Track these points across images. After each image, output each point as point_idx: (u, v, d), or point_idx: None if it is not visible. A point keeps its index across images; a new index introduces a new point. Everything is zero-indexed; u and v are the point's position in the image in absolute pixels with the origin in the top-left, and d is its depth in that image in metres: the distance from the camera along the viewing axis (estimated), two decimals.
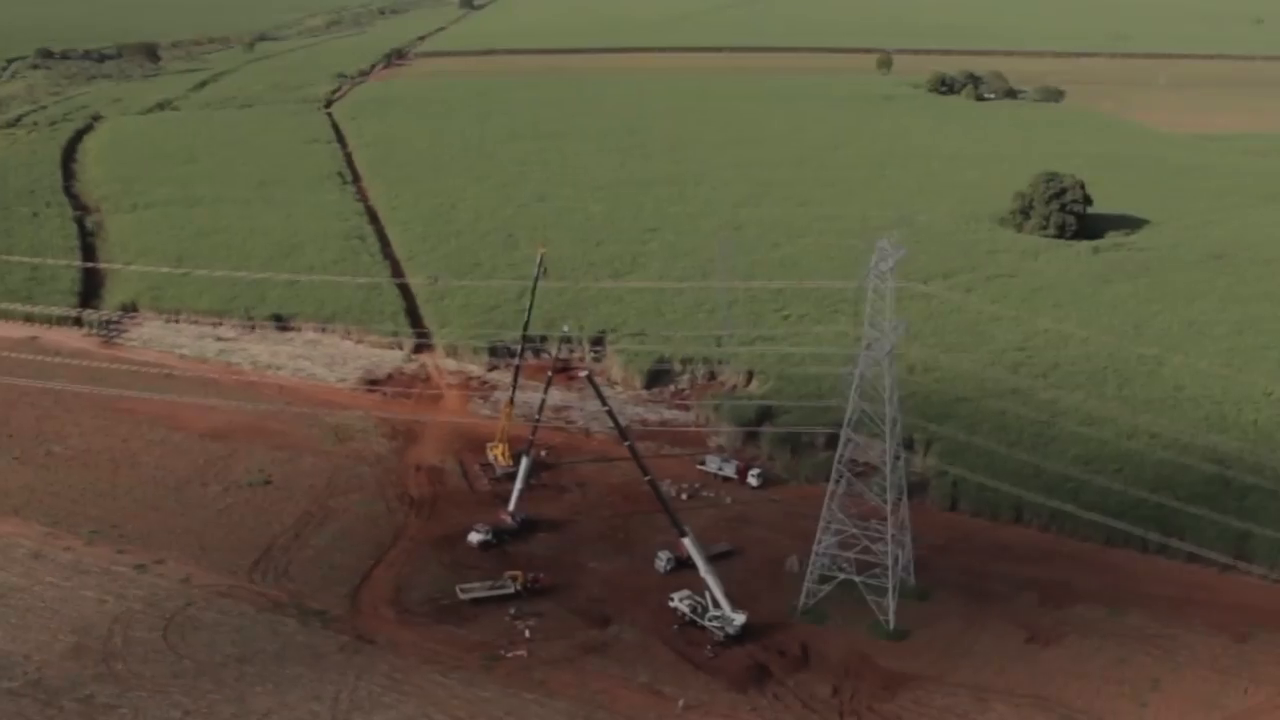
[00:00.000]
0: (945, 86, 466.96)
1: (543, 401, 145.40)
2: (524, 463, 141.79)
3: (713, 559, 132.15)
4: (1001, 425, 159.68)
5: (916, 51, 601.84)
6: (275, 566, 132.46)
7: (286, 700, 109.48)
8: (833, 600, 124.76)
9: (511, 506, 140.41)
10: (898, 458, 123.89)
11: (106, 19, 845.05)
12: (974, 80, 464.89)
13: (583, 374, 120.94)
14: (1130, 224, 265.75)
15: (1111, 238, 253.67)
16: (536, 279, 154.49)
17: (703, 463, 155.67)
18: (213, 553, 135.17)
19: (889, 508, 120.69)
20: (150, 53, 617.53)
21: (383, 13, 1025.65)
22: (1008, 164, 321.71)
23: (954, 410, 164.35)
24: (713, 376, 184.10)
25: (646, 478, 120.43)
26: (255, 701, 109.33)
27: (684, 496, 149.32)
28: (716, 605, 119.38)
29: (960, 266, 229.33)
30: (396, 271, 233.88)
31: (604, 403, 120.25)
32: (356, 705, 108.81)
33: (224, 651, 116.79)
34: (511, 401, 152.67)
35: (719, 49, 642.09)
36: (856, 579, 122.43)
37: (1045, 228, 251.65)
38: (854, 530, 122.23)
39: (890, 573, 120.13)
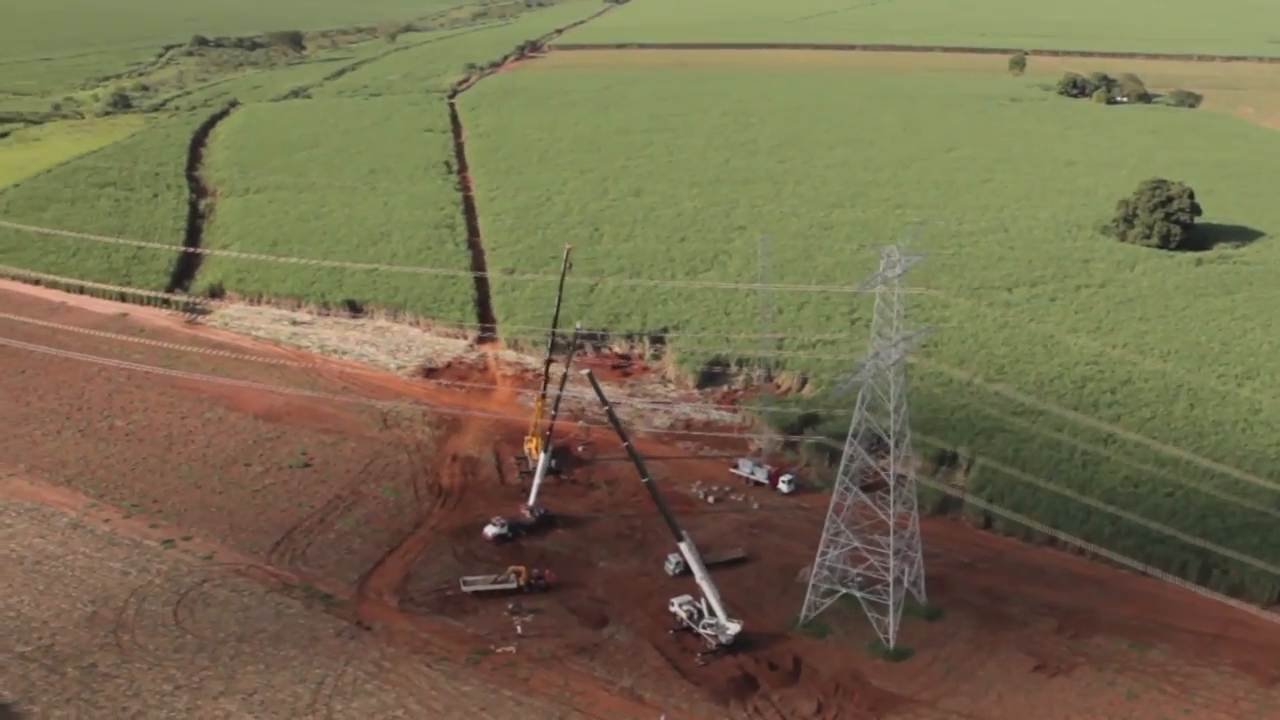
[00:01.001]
0: (1076, 89, 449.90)
1: (558, 397, 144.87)
2: (541, 458, 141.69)
3: (725, 565, 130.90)
4: (1053, 442, 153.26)
5: (1055, 53, 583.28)
6: (294, 548, 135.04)
7: (273, 681, 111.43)
8: (839, 615, 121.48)
9: (531, 501, 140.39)
10: (903, 473, 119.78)
11: (264, 8, 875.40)
12: (1107, 83, 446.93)
13: (584, 372, 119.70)
14: (1243, 236, 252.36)
15: (1219, 249, 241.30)
16: (564, 275, 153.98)
17: (736, 466, 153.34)
18: (239, 532, 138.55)
19: (892, 523, 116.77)
20: (295, 41, 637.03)
21: (529, 5, 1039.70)
22: (1126, 170, 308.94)
23: (1007, 424, 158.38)
24: (769, 379, 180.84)
25: (644, 479, 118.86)
26: (244, 680, 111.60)
27: (710, 499, 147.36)
28: (712, 613, 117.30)
29: (1048, 275, 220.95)
30: (479, 262, 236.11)
31: (604, 401, 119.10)
32: (339, 691, 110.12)
33: (227, 629, 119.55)
34: (544, 396, 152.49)
35: (851, 47, 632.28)
36: (858, 594, 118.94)
37: (1148, 237, 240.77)
38: (857, 544, 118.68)
39: (892, 590, 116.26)
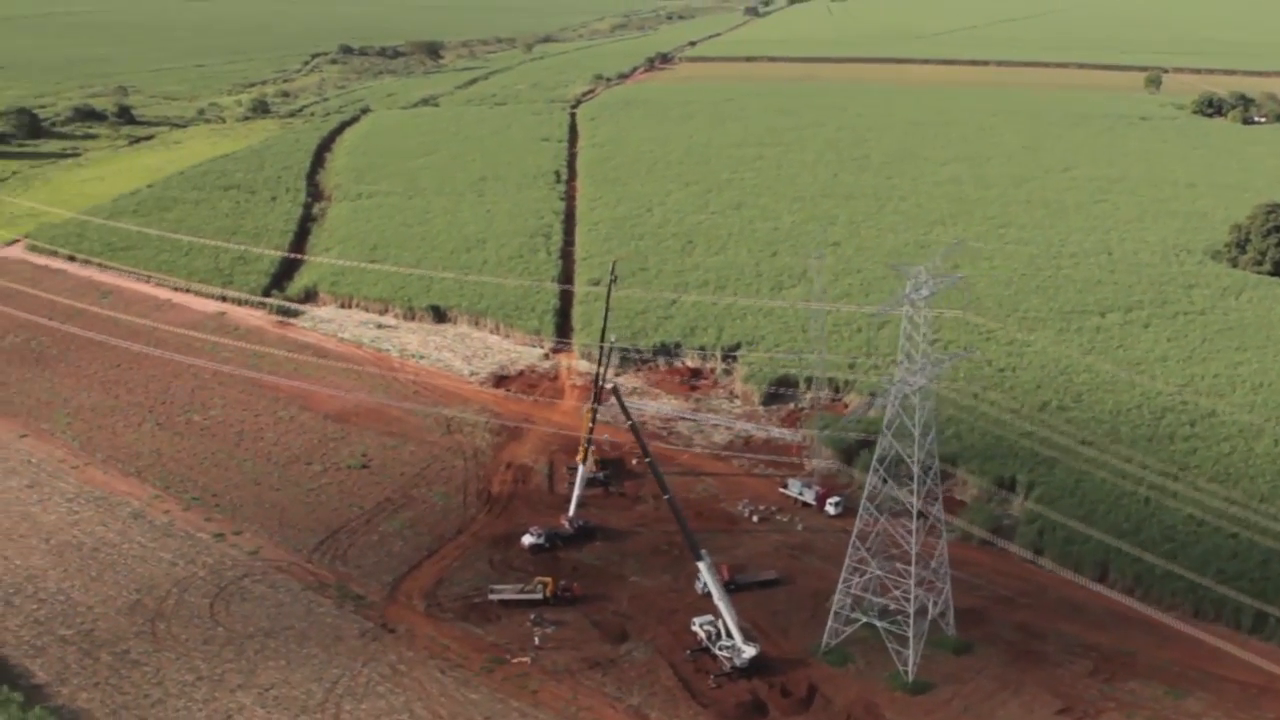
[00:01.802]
0: (1211, 108, 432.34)
1: (595, 410, 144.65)
2: (580, 470, 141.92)
3: (757, 586, 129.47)
4: (1117, 475, 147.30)
5: (1196, 70, 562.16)
6: (337, 547, 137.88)
7: (291, 678, 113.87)
8: (864, 644, 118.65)
9: (570, 512, 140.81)
10: (933, 499, 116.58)
11: (411, 18, 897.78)
12: (1244, 102, 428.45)
13: (609, 386, 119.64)
14: None
15: None
16: (610, 287, 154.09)
17: (785, 486, 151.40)
18: (288, 529, 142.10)
19: (914, 553, 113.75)
20: (432, 51, 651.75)
21: (670, 17, 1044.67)
22: (1250, 194, 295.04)
23: (1072, 455, 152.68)
24: (834, 399, 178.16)
25: (665, 495, 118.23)
26: (263, 675, 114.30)
27: (754, 518, 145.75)
28: (729, 634, 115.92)
29: (1146, 300, 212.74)
30: (569, 271, 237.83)
31: (628, 416, 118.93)
32: (351, 691, 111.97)
33: (257, 624, 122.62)
34: (593, 408, 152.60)
35: (984, 62, 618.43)
36: (878, 623, 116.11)
37: (1260, 264, 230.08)
38: (877, 572, 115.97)
39: (912, 621, 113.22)
